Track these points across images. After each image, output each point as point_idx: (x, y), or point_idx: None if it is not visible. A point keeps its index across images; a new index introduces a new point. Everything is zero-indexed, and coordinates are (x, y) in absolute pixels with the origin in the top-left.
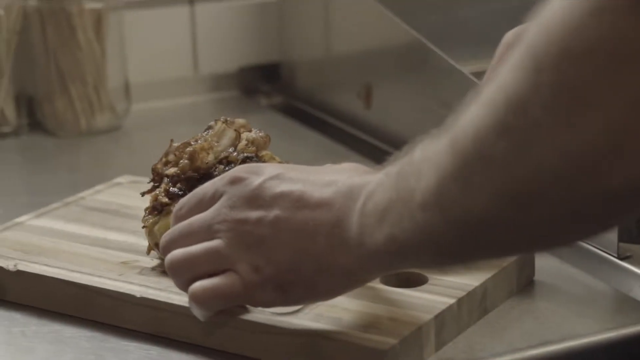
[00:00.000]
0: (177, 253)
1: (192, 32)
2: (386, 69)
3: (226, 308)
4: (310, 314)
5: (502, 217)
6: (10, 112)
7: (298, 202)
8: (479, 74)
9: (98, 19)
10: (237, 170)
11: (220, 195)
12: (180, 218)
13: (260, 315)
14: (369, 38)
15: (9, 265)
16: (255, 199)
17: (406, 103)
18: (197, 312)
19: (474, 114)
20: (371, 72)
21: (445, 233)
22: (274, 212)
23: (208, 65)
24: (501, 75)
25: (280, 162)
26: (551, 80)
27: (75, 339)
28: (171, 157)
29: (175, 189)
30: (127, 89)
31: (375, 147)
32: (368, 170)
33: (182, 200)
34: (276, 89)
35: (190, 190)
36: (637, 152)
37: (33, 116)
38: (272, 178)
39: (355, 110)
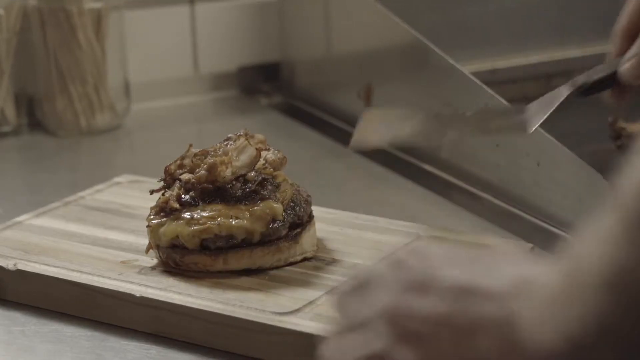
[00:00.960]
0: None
1: (192, 32)
2: (386, 68)
3: None
4: (310, 314)
5: None
6: (10, 112)
7: (464, 294)
8: (479, 74)
9: (98, 18)
10: (404, 254)
11: (385, 282)
12: (343, 306)
13: (260, 315)
14: (370, 38)
15: (9, 264)
16: (423, 286)
17: (406, 103)
18: None
19: (638, 169)
20: (371, 71)
21: (628, 319)
22: (438, 306)
23: (208, 64)
24: None
25: (292, 184)
26: None
27: (75, 338)
28: (187, 162)
29: (188, 197)
30: (127, 88)
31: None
32: (531, 256)
33: (349, 283)
34: (276, 88)
35: (202, 199)
36: None
37: (33, 116)
38: (440, 266)
39: (355, 109)
